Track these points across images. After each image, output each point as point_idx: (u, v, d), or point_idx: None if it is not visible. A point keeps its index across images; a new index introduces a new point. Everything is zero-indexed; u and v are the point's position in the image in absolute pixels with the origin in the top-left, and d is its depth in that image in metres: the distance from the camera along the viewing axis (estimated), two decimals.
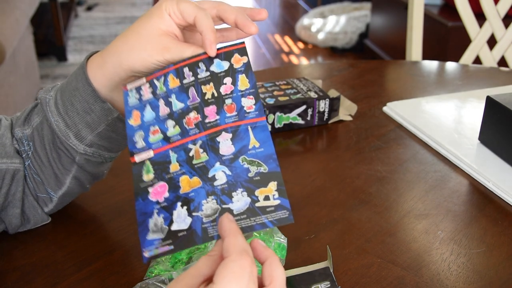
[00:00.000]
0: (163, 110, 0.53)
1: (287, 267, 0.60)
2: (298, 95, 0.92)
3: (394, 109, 0.97)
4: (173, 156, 0.51)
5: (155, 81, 0.54)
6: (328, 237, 0.66)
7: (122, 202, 0.72)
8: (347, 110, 0.97)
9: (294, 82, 0.98)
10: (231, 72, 0.53)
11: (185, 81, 0.54)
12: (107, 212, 0.70)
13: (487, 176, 0.78)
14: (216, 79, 0.53)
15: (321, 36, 3.54)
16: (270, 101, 0.90)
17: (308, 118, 0.92)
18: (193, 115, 0.52)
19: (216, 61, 0.54)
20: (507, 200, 0.74)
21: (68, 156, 0.61)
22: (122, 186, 0.75)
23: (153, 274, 0.59)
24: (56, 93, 0.61)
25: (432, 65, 1.26)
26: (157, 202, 0.49)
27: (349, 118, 0.96)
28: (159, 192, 0.50)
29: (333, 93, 0.95)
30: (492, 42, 1.37)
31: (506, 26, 1.37)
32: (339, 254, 0.63)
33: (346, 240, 0.66)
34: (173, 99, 0.53)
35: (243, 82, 0.52)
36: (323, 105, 0.92)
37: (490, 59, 1.39)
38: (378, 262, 0.62)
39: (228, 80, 0.53)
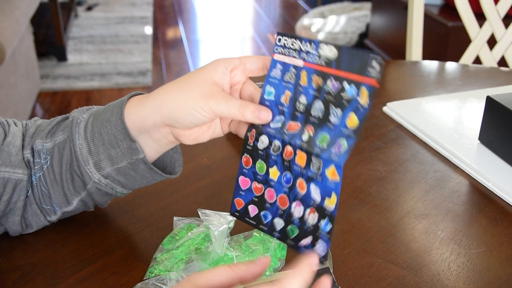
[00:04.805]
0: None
1: (287, 267, 0.60)
2: None
3: (394, 109, 0.97)
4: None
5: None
6: None
7: (122, 202, 0.72)
8: None
9: None
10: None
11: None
12: (107, 212, 0.70)
13: (487, 176, 0.78)
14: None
15: (321, 36, 3.54)
16: None
17: None
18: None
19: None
20: (507, 200, 0.74)
21: (81, 181, 0.60)
22: None
23: (153, 274, 0.59)
24: (89, 117, 0.60)
25: (432, 65, 1.26)
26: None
27: None
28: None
29: None
30: (492, 42, 1.37)
31: (506, 26, 1.37)
32: (339, 254, 0.63)
33: (346, 240, 0.66)
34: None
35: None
36: None
37: (490, 59, 1.39)
38: (378, 262, 0.62)
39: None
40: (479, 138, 0.86)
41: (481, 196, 0.76)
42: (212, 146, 0.86)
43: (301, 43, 0.52)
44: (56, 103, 2.76)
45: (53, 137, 0.62)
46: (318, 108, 0.51)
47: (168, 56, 3.44)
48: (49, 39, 3.15)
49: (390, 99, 1.01)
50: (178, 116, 0.55)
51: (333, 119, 0.49)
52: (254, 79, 0.60)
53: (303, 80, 0.52)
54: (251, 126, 0.54)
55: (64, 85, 2.92)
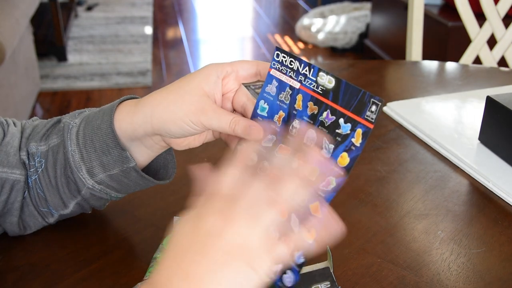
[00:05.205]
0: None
1: None
2: None
3: (394, 109, 0.97)
4: None
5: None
6: None
7: (122, 202, 0.72)
8: None
9: None
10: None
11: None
12: (107, 212, 0.70)
13: (487, 176, 0.78)
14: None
15: (321, 36, 3.54)
16: None
17: None
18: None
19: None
20: (507, 200, 0.74)
21: (76, 186, 0.60)
22: None
23: None
24: (80, 122, 0.60)
25: (432, 65, 1.26)
26: None
27: None
28: None
29: None
30: (492, 42, 1.37)
31: (506, 26, 1.37)
32: (339, 254, 0.63)
33: (346, 240, 0.66)
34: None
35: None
36: None
37: (490, 59, 1.39)
38: (378, 262, 0.62)
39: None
40: (479, 138, 0.86)
41: (481, 196, 0.76)
42: (212, 146, 0.86)
43: (300, 65, 0.50)
44: (56, 103, 2.76)
45: (48, 140, 0.61)
46: (311, 137, 0.49)
47: (168, 56, 3.44)
48: (49, 39, 3.15)
49: (390, 99, 1.01)
50: (169, 128, 0.54)
51: (324, 152, 0.48)
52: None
53: (298, 104, 0.51)
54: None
55: (64, 85, 2.93)
